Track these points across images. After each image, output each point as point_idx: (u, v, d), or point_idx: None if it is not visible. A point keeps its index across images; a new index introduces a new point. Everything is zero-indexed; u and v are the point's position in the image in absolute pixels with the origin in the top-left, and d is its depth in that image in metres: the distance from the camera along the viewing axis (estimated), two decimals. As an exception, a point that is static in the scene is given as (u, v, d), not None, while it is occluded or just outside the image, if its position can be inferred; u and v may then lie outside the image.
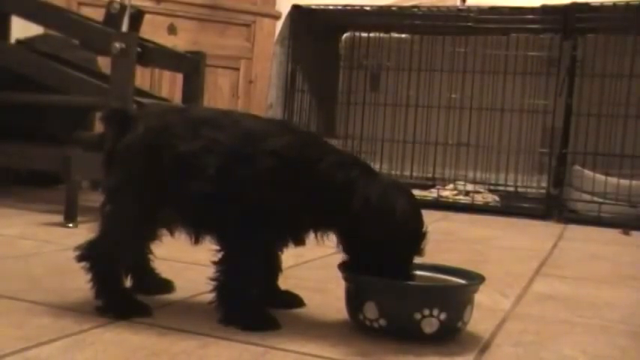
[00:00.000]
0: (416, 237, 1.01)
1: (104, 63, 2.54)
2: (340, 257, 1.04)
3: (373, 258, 1.00)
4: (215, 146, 1.00)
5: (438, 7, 3.18)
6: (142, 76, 3.28)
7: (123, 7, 2.22)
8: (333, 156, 1.02)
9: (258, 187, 0.99)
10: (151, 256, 1.15)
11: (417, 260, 1.03)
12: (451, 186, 3.16)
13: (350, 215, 0.99)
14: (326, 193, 0.99)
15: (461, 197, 3.05)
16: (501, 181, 3.25)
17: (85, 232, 1.07)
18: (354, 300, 1.02)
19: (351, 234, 1.02)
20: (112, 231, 1.04)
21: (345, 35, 3.63)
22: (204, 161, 0.99)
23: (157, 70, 3.46)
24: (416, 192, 1.07)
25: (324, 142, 1.07)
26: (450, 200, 3.02)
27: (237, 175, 0.99)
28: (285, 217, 1.00)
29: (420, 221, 1.01)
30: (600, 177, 2.83)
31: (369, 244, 1.00)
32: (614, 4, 2.74)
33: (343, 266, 1.03)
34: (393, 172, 3.33)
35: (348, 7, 3.21)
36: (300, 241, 1.05)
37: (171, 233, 1.09)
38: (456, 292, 1.02)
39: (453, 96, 3.37)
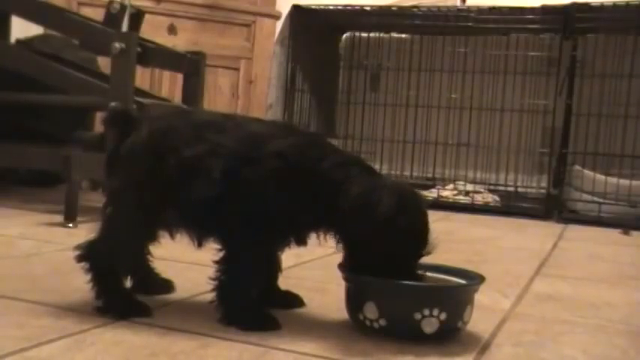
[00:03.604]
0: (409, 237, 0.99)
1: (104, 63, 2.54)
2: (340, 257, 1.04)
3: (366, 257, 1.00)
4: (219, 149, 1.00)
5: (438, 7, 3.18)
6: (142, 76, 3.28)
7: (123, 7, 2.22)
8: (335, 156, 1.02)
9: (262, 188, 0.99)
10: (150, 256, 1.15)
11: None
12: (451, 186, 3.16)
13: (341, 212, 0.98)
14: (326, 192, 0.99)
15: (461, 197, 3.05)
16: (501, 181, 3.25)
17: (85, 232, 1.07)
18: (354, 300, 1.02)
19: (344, 232, 1.02)
20: (112, 232, 1.04)
21: (345, 35, 3.63)
22: (209, 164, 0.99)
23: (157, 70, 3.46)
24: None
25: (328, 143, 1.07)
26: (450, 200, 3.02)
27: (242, 177, 0.99)
28: (288, 218, 1.00)
29: (414, 221, 0.99)
30: (600, 177, 2.83)
31: (360, 243, 1.00)
32: (614, 4, 2.74)
33: (343, 266, 1.03)
34: (393, 172, 3.33)
35: (348, 7, 3.21)
36: (301, 241, 1.05)
37: (172, 235, 1.09)
38: (456, 292, 1.02)
39: (453, 96, 3.37)
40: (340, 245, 1.03)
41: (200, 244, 1.05)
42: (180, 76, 2.61)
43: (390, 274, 0.98)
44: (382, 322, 0.97)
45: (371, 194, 0.97)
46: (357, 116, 3.53)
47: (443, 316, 0.96)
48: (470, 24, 3.13)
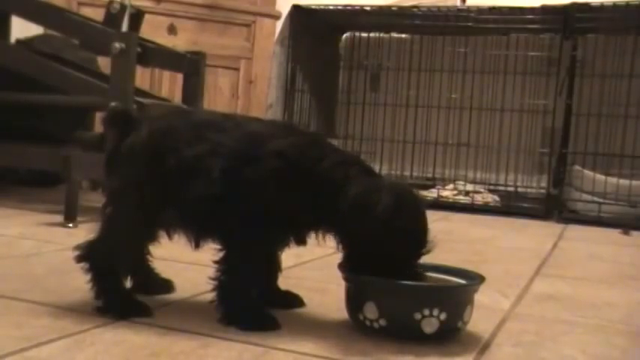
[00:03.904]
0: (408, 237, 0.99)
1: (104, 63, 2.54)
2: (340, 257, 1.04)
3: (365, 257, 1.00)
4: (219, 149, 1.00)
5: (438, 7, 3.18)
6: (142, 76, 3.28)
7: (123, 7, 2.22)
8: (334, 155, 1.02)
9: (262, 187, 0.99)
10: (150, 256, 1.15)
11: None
12: (451, 186, 3.16)
13: (341, 213, 0.98)
14: (326, 192, 0.99)
15: (461, 197, 3.05)
16: (501, 181, 3.25)
17: (85, 232, 1.06)
18: (354, 300, 1.02)
19: (343, 232, 1.02)
20: (112, 232, 1.04)
21: (345, 35, 3.63)
22: (209, 164, 0.99)
23: (157, 70, 3.46)
24: (416, 192, 1.06)
25: (328, 143, 1.07)
26: (450, 200, 3.02)
27: (242, 176, 0.99)
28: (287, 217, 1.00)
29: (413, 222, 0.99)
30: (600, 177, 2.83)
31: (359, 243, 1.00)
32: (614, 4, 2.74)
33: (343, 266, 1.03)
34: (393, 172, 3.33)
35: (348, 7, 3.21)
36: (301, 241, 1.05)
37: (170, 236, 1.09)
38: (455, 292, 1.02)
39: (453, 96, 3.37)
40: (340, 245, 1.03)
41: (197, 245, 1.05)
42: (180, 76, 2.61)
43: (389, 274, 0.98)
44: (382, 322, 0.97)
45: (369, 194, 0.97)
46: (357, 116, 3.54)
47: (443, 316, 0.96)
48: (470, 24, 3.13)
